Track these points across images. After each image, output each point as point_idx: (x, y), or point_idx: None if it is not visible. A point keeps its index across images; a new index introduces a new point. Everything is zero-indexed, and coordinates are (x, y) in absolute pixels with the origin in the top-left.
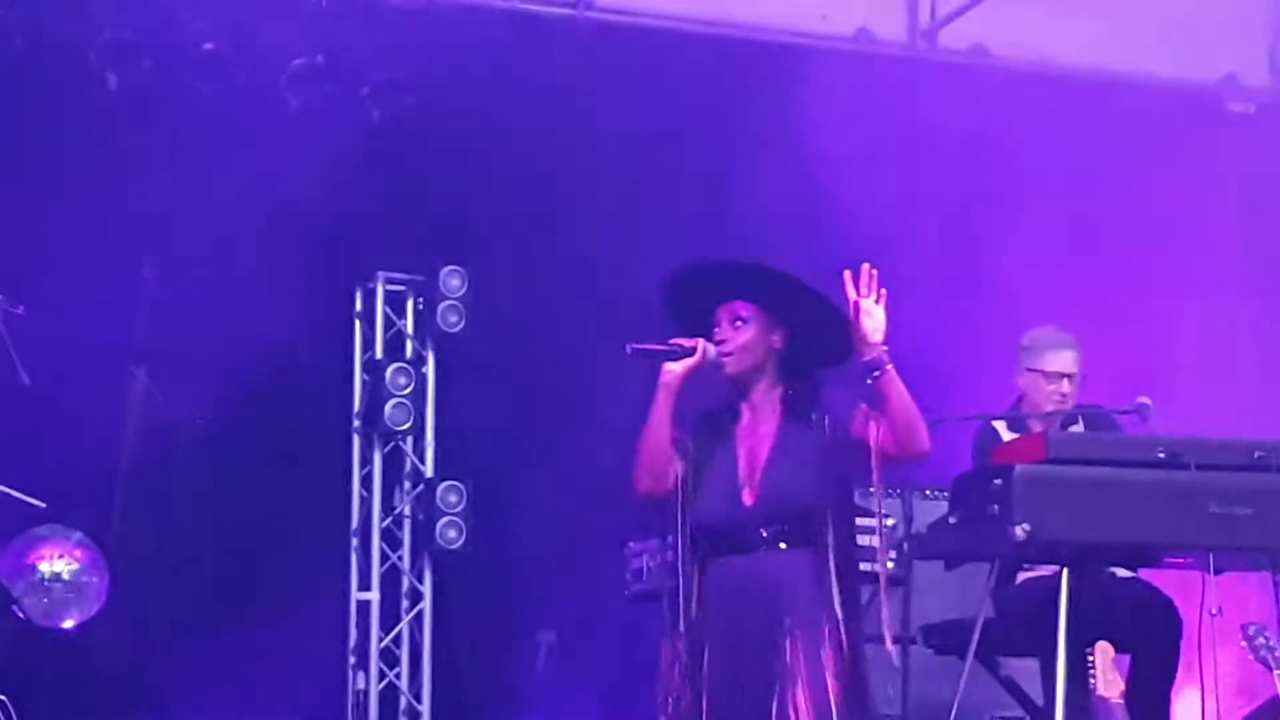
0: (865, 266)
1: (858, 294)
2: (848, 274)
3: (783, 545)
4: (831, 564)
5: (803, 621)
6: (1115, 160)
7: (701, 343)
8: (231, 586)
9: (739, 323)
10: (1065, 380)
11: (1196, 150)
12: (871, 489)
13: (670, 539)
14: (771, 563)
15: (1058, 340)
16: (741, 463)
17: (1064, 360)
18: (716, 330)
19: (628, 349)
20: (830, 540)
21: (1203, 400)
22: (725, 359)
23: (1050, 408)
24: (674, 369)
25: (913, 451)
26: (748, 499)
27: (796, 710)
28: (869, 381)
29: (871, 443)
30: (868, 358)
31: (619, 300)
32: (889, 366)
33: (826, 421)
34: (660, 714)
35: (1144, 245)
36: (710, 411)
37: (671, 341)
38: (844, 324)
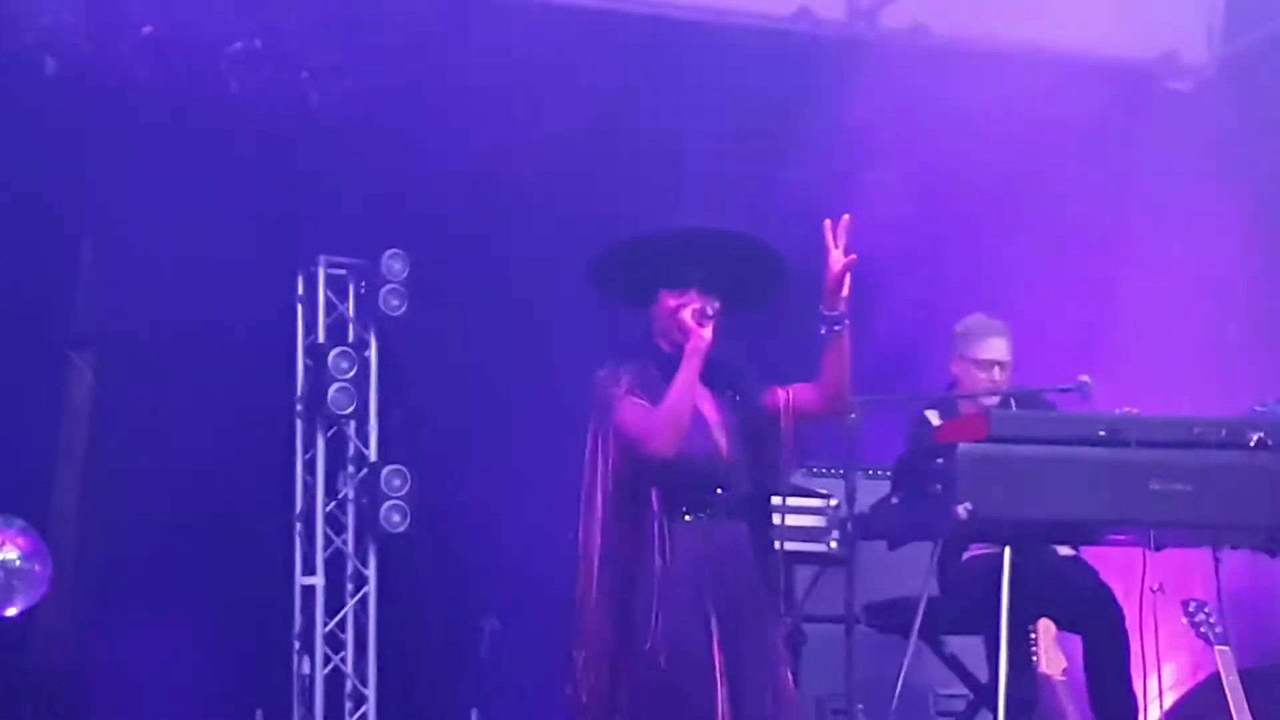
0: (845, 217)
1: (836, 245)
2: (827, 223)
3: (734, 515)
4: (770, 544)
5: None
6: (1055, 138)
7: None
8: (174, 571)
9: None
10: (997, 368)
11: (1135, 128)
12: (801, 468)
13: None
14: (732, 531)
15: (989, 328)
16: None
17: (995, 348)
18: (691, 298)
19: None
20: (764, 522)
21: (1143, 375)
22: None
23: (985, 393)
24: (707, 335)
25: (840, 408)
26: (724, 454)
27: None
28: (827, 331)
29: (783, 408)
30: (836, 310)
31: (562, 283)
32: (847, 321)
33: (738, 400)
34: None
35: (1083, 223)
36: (653, 368)
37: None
38: (773, 267)
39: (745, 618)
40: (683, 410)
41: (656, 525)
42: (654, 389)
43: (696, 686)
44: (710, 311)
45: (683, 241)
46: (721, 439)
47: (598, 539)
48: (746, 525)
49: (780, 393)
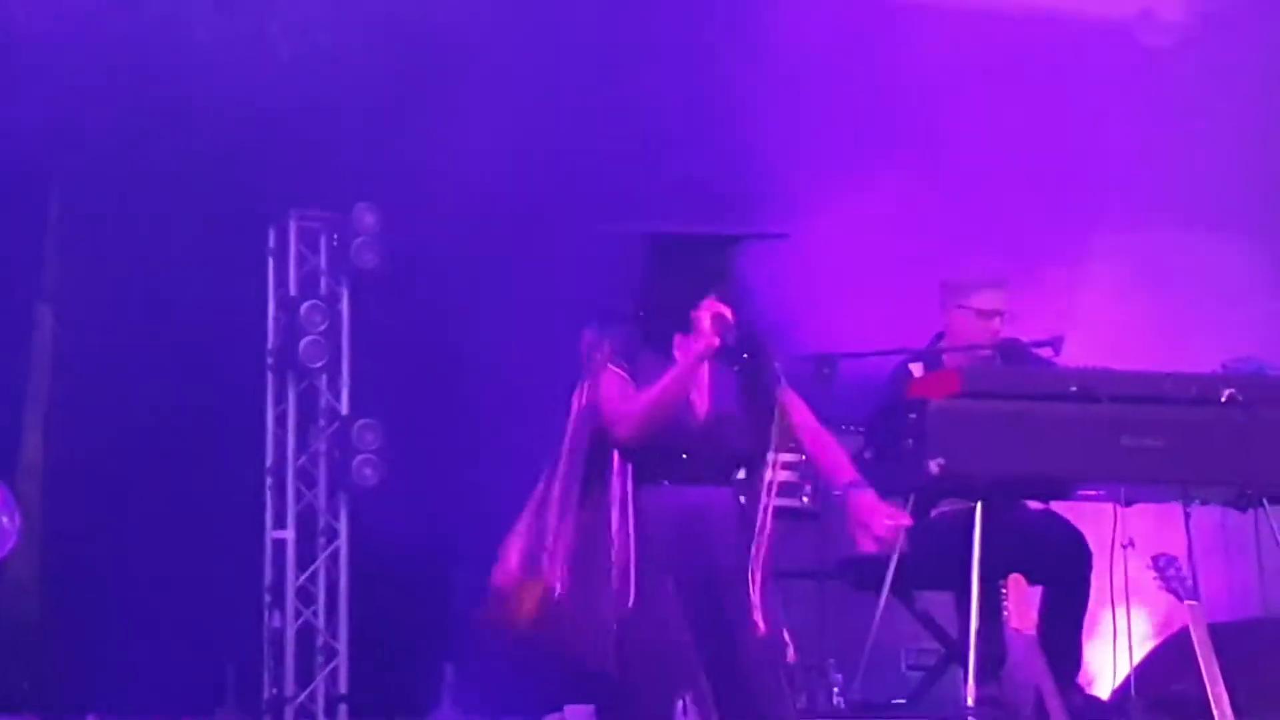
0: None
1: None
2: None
3: (715, 478)
4: (760, 507)
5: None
6: (1032, 94)
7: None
8: (145, 524)
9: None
10: (997, 318)
11: (1113, 84)
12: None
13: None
14: (705, 495)
15: (989, 278)
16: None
17: (996, 298)
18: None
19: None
20: (757, 484)
21: (1122, 333)
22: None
23: (982, 344)
24: (715, 344)
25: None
26: (696, 424)
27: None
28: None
29: (781, 407)
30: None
31: (535, 236)
32: None
33: (748, 360)
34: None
35: (1061, 179)
36: (638, 336)
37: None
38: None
39: (715, 583)
40: (663, 410)
41: (620, 487)
42: (636, 358)
43: (653, 649)
44: (730, 319)
45: (720, 244)
46: (702, 401)
47: (570, 490)
48: (728, 486)
49: (788, 396)
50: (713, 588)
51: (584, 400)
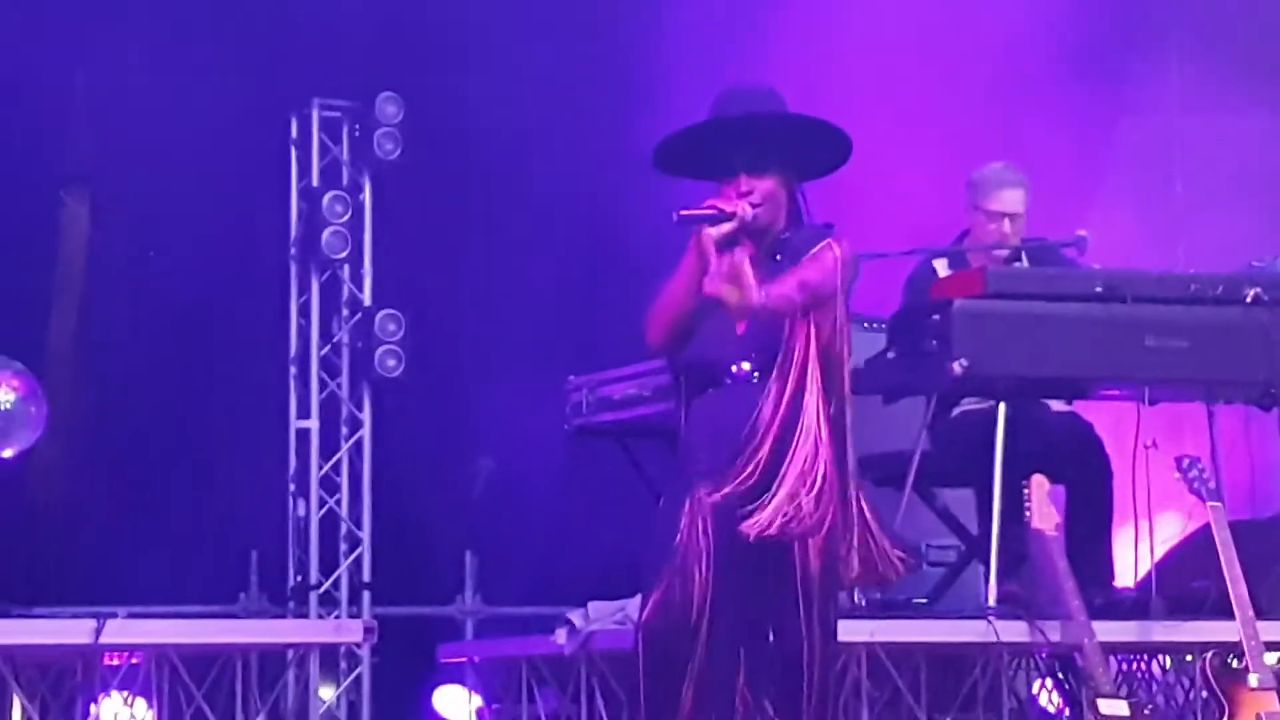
0: None
1: None
2: None
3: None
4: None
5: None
6: None
7: (742, 205)
8: (168, 414)
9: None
10: (1007, 220)
11: None
12: None
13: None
14: (748, 401)
15: (1005, 179)
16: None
17: (1010, 200)
18: (738, 182)
19: (675, 216)
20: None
21: (1138, 227)
22: (756, 210)
23: (999, 245)
24: (714, 234)
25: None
26: (735, 330)
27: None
28: None
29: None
30: None
31: (559, 126)
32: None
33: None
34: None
35: (1075, 69)
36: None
37: (713, 204)
38: (835, 136)
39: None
40: (668, 305)
41: (679, 395)
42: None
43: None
44: (747, 181)
45: (722, 128)
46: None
47: None
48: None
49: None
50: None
51: None
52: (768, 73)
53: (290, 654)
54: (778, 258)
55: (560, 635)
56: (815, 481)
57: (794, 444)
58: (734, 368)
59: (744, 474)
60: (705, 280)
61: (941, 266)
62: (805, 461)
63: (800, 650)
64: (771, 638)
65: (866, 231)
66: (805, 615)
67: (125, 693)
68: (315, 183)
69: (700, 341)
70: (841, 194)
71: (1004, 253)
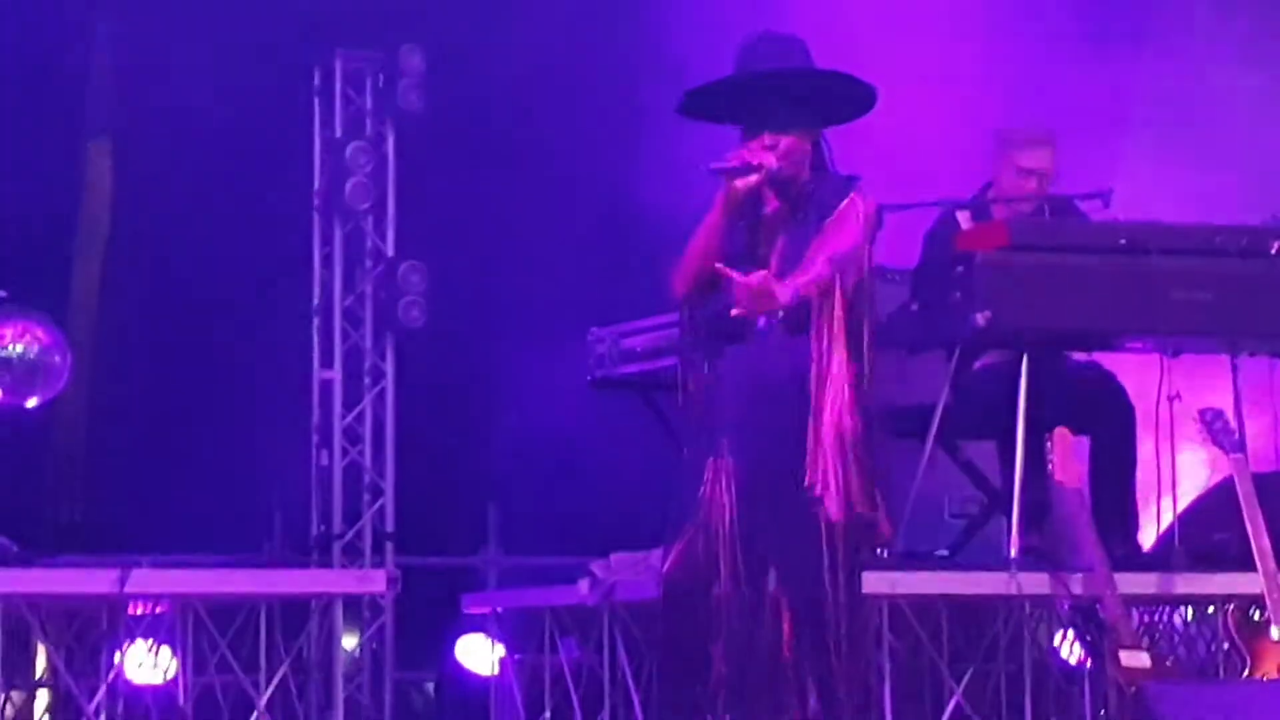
0: None
1: None
2: None
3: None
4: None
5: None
6: None
7: (769, 157)
8: (191, 364)
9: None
10: (1034, 178)
11: None
12: None
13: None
14: (773, 356)
15: (1036, 136)
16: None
17: (1039, 157)
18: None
19: (708, 168)
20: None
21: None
22: (781, 164)
23: (1023, 198)
24: (740, 186)
25: None
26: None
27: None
28: None
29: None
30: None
31: (581, 79)
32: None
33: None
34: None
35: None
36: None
37: (739, 156)
38: (860, 89)
39: (766, 442)
40: (694, 255)
41: (697, 349)
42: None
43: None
44: (769, 136)
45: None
46: (773, 263)
47: None
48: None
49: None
50: (777, 448)
51: None
52: (791, 22)
53: (314, 604)
54: (801, 214)
55: (583, 586)
56: (842, 435)
57: (823, 399)
58: (761, 320)
59: (773, 429)
60: (735, 304)
61: (964, 219)
62: (834, 415)
63: (825, 603)
64: (798, 592)
65: (890, 181)
66: (830, 569)
67: (150, 641)
68: (339, 134)
69: (727, 293)
70: (865, 143)
71: (1026, 207)
